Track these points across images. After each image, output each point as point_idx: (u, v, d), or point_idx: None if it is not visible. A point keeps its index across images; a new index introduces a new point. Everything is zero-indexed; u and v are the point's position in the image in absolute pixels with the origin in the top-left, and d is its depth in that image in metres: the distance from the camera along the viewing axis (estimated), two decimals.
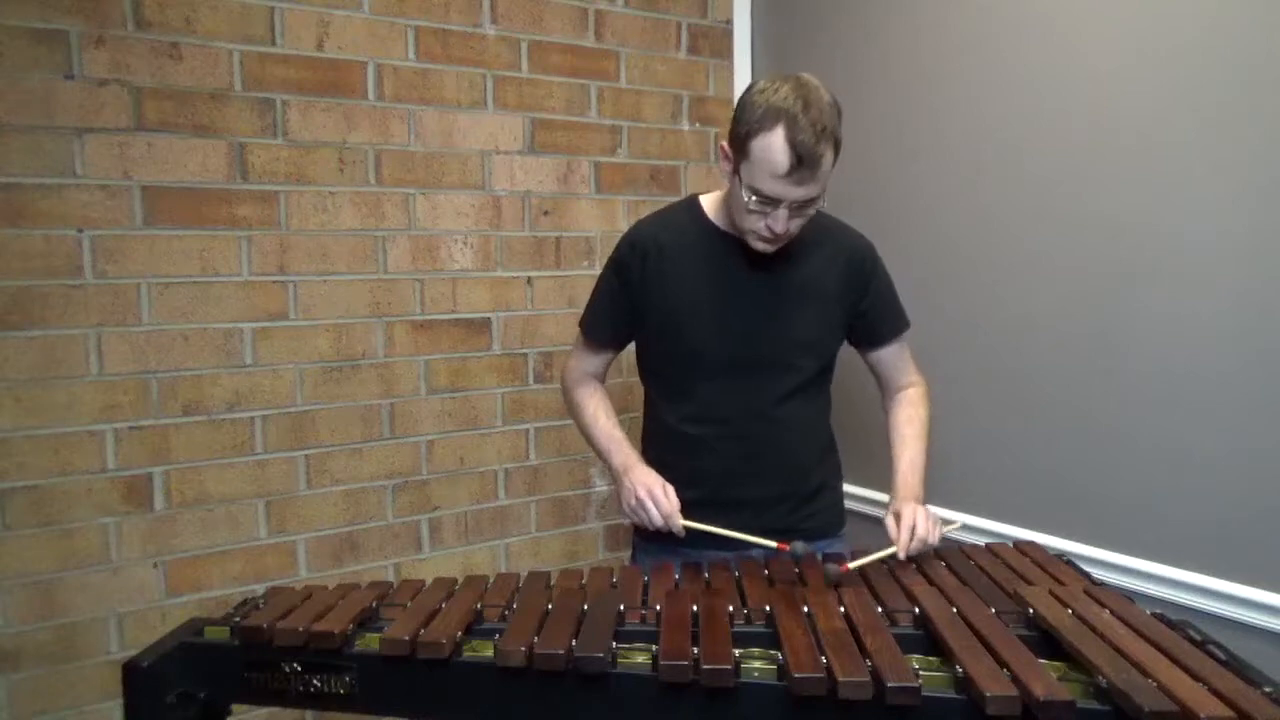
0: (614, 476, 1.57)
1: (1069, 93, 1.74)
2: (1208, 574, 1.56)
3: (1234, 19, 1.49)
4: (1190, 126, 1.56)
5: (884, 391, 1.71)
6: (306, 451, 2.05)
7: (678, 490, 1.48)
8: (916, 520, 1.41)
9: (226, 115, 1.90)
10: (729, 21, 2.54)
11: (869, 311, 1.62)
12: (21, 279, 1.74)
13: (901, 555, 1.38)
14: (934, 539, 1.41)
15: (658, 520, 1.45)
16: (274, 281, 1.98)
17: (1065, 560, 1.43)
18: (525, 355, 2.31)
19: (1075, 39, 1.72)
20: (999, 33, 1.86)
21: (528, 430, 2.33)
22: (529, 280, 2.29)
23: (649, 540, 1.58)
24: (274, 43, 1.94)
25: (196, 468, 1.93)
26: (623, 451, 1.57)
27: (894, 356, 1.67)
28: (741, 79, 2.54)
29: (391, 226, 2.11)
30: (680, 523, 1.44)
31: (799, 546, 1.37)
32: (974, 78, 1.92)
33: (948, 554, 1.44)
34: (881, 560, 1.38)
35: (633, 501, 1.48)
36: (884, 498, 2.16)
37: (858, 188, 2.23)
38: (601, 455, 1.63)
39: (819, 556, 1.43)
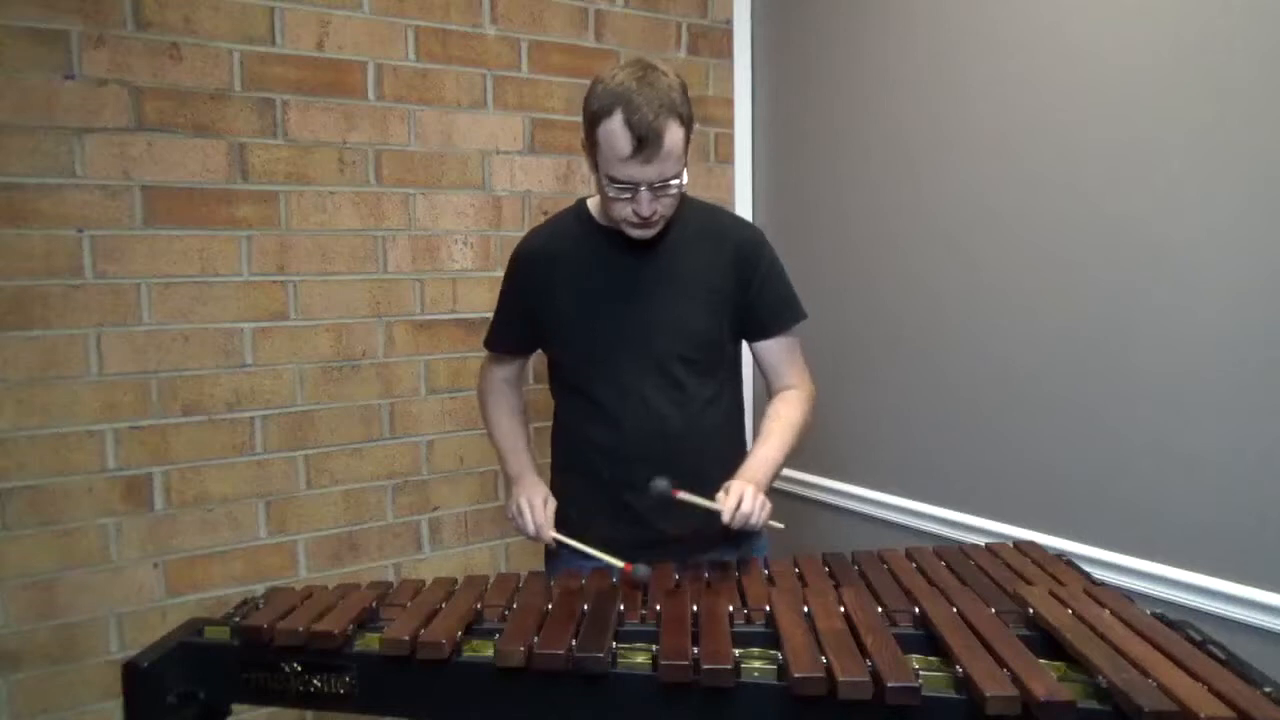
0: (506, 483, 1.60)
1: (1070, 92, 1.74)
2: (1208, 574, 1.56)
3: (1234, 19, 1.49)
4: (1190, 127, 1.56)
5: (769, 390, 1.64)
6: (306, 451, 2.05)
7: (583, 496, 1.53)
8: (744, 495, 1.36)
9: (226, 115, 1.90)
10: (729, 21, 2.54)
11: (755, 302, 1.58)
12: (21, 279, 1.74)
13: (725, 518, 1.34)
14: (757, 519, 1.37)
15: (530, 530, 1.51)
16: (274, 281, 1.98)
17: (1065, 560, 1.43)
18: None
19: (1075, 38, 1.72)
20: (999, 32, 1.86)
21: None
22: None
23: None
24: (274, 43, 1.94)
25: (196, 468, 1.92)
26: (518, 461, 1.63)
27: (779, 352, 1.61)
28: (741, 79, 2.54)
29: (391, 226, 2.11)
30: (550, 535, 1.49)
31: (642, 570, 1.32)
32: (974, 77, 1.92)
33: (948, 554, 1.44)
34: (705, 508, 1.37)
35: (513, 509, 1.55)
36: (881, 496, 2.19)
37: (857, 187, 2.23)
38: (500, 462, 1.68)
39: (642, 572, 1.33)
